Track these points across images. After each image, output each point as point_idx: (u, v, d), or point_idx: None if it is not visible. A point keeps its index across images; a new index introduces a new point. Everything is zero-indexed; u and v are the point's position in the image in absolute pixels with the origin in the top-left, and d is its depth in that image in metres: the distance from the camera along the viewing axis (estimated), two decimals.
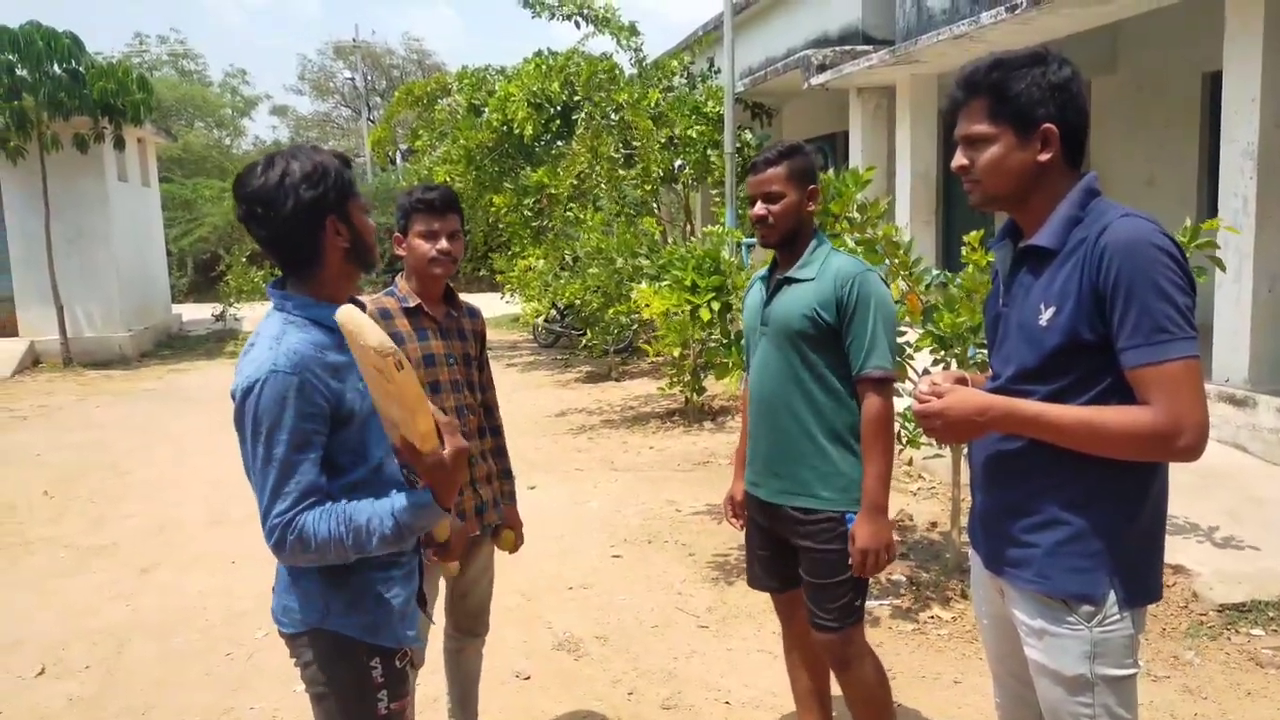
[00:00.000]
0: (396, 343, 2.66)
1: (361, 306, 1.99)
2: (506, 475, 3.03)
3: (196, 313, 19.87)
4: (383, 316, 2.73)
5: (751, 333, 2.76)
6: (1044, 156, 1.79)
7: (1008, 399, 1.78)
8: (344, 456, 1.85)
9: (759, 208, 2.61)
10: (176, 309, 19.38)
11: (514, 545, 3.01)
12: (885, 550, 2.49)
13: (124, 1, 74.30)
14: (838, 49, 10.78)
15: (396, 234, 2.79)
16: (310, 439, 1.79)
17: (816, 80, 10.53)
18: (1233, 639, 3.81)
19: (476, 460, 2.85)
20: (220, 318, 17.75)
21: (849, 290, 2.50)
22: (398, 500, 1.79)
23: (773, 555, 2.78)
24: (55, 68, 12.59)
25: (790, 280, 2.62)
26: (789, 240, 2.63)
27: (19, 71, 12.39)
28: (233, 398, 1.83)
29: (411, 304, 2.76)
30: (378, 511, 1.77)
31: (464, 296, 2.96)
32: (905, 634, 4.01)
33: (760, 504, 2.74)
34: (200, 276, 23.96)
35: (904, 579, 4.51)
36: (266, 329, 1.88)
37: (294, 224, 1.83)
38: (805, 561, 2.63)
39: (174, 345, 16.29)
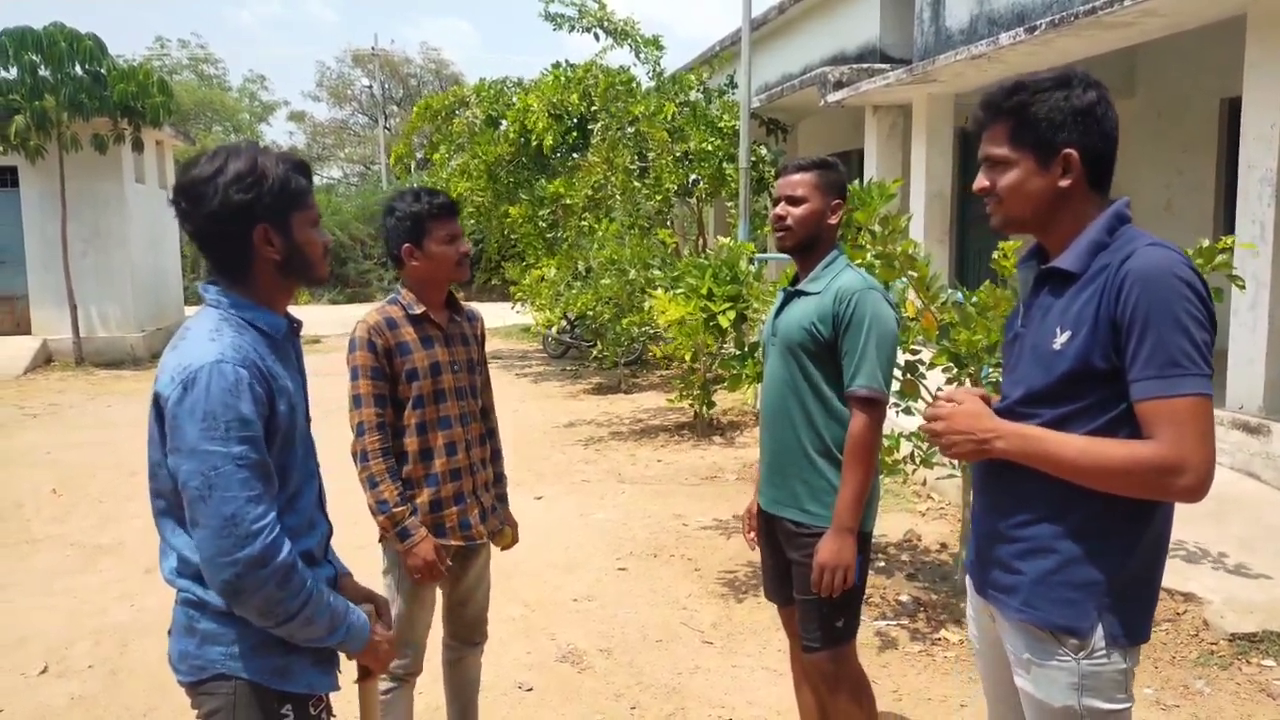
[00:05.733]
0: (402, 353, 2.66)
1: (298, 325, 1.88)
2: (499, 479, 3.01)
3: None
4: (389, 326, 2.69)
5: (766, 343, 2.79)
6: (1064, 182, 1.76)
7: (1011, 425, 1.75)
8: None
9: (780, 208, 2.64)
10: (189, 310, 19.47)
11: (510, 542, 3.03)
12: (845, 570, 2.47)
13: (146, 6, 75.00)
14: (855, 66, 10.79)
15: (407, 246, 2.69)
16: (265, 440, 1.63)
17: (833, 97, 10.52)
18: (1244, 669, 3.76)
19: (477, 467, 2.83)
20: None
21: (846, 306, 2.52)
22: (356, 615, 1.77)
23: (774, 566, 2.79)
24: (77, 69, 12.72)
25: (800, 293, 2.65)
26: (806, 248, 2.65)
27: (41, 72, 12.52)
28: (159, 400, 1.64)
29: (417, 311, 2.72)
30: (337, 604, 1.73)
31: (476, 305, 2.95)
32: (912, 655, 3.98)
33: (763, 513, 2.76)
34: None
35: (912, 600, 4.48)
36: (199, 324, 1.70)
37: (219, 225, 1.69)
38: (796, 576, 2.63)
39: None
